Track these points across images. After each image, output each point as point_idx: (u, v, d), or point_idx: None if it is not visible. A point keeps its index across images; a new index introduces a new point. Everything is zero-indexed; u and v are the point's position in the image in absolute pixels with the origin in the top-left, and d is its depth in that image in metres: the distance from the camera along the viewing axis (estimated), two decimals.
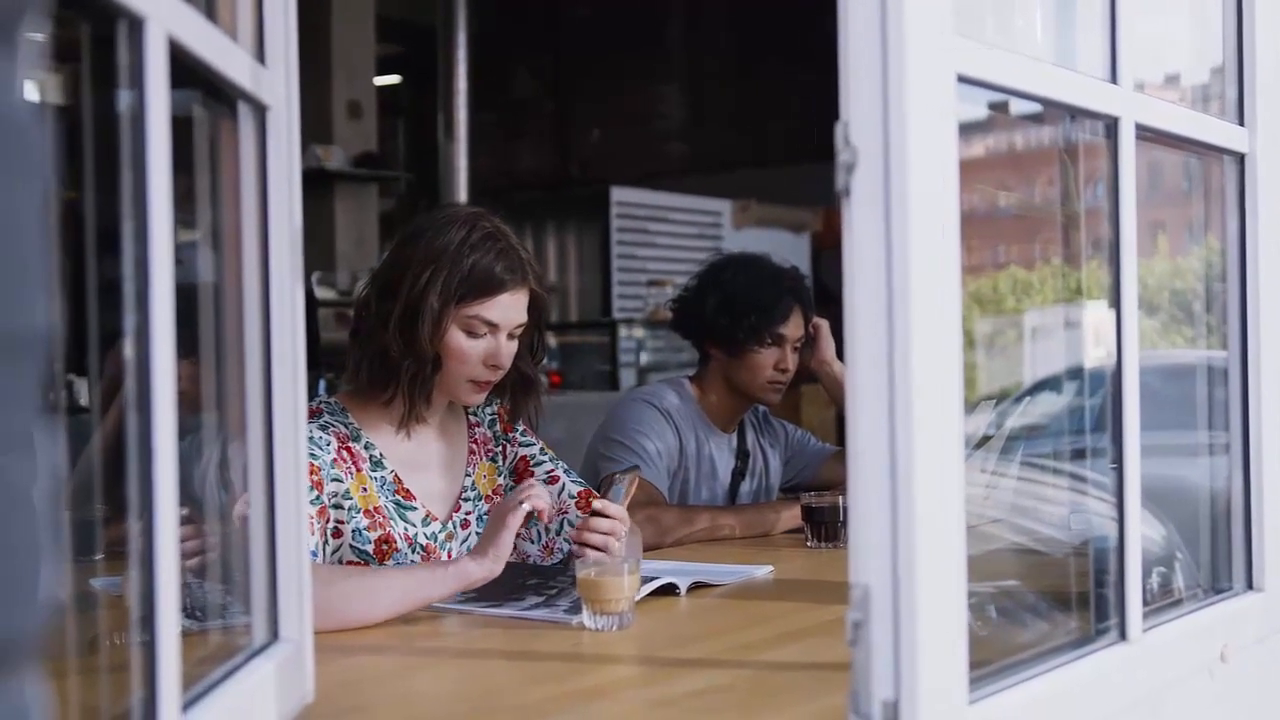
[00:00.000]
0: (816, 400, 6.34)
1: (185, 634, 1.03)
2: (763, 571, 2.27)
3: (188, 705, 1.04)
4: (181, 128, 1.04)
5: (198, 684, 1.12)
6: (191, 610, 1.29)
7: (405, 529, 2.13)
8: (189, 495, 1.12)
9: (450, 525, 2.20)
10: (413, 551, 2.13)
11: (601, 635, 1.77)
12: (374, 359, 2.12)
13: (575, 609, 1.85)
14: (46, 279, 0.53)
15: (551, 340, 7.44)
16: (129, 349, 0.96)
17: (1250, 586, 1.72)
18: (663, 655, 1.72)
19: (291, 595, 1.33)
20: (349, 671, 1.59)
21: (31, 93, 0.55)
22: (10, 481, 0.51)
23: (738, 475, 3.03)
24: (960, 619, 1.16)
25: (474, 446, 2.29)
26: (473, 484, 2.26)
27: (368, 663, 1.67)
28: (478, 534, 2.22)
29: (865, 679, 1.13)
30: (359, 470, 2.11)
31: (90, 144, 1.05)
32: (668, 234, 7.87)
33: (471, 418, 2.32)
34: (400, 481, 2.15)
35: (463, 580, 1.87)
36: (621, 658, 1.70)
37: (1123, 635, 1.45)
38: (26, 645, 0.52)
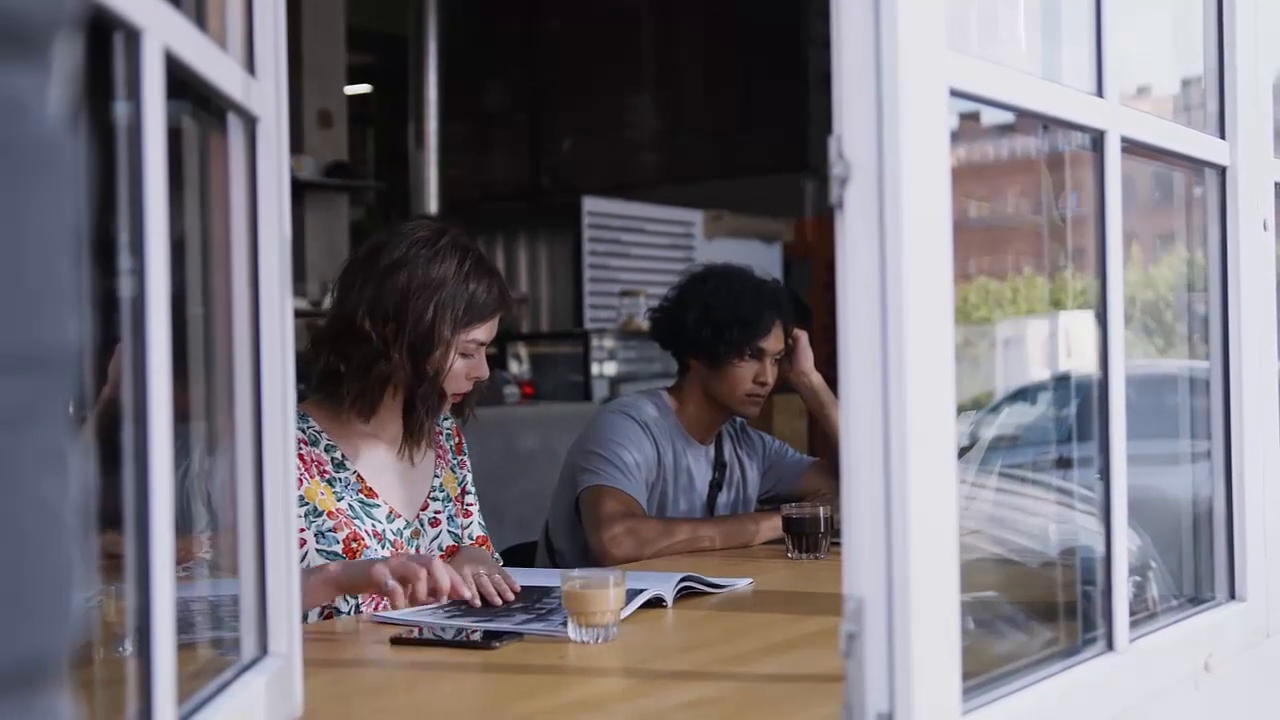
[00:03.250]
0: (788, 410, 6.35)
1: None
2: (743, 584, 2.27)
3: None
4: (170, 138, 1.04)
5: (189, 699, 1.11)
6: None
7: (373, 525, 2.19)
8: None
9: (417, 523, 2.28)
10: (382, 547, 2.19)
11: (587, 648, 1.77)
12: (377, 384, 2.18)
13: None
14: (78, 294, 0.53)
15: (523, 351, 7.43)
16: (126, 360, 0.95)
17: (1233, 596, 1.73)
18: (650, 668, 1.71)
19: (281, 610, 1.32)
20: (337, 686, 1.59)
21: (63, 108, 0.55)
22: (44, 498, 0.50)
23: (715, 487, 3.03)
24: (954, 630, 1.17)
25: (440, 450, 2.38)
26: (440, 485, 2.34)
27: (355, 677, 1.66)
28: (449, 532, 2.32)
29: (859, 691, 1.13)
30: (315, 476, 2.16)
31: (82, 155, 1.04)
32: (640, 244, 7.86)
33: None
34: (363, 480, 2.21)
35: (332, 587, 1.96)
36: (608, 670, 1.69)
37: (1110, 645, 1.45)
38: (60, 661, 0.52)
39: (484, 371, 2.25)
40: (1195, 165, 1.75)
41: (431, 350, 2.16)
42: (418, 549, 2.26)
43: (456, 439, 2.43)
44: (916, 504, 1.11)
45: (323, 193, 7.52)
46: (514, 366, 7.22)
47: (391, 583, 1.86)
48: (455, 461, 2.40)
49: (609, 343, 7.22)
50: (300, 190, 7.11)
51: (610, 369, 7.19)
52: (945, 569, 1.16)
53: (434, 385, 2.18)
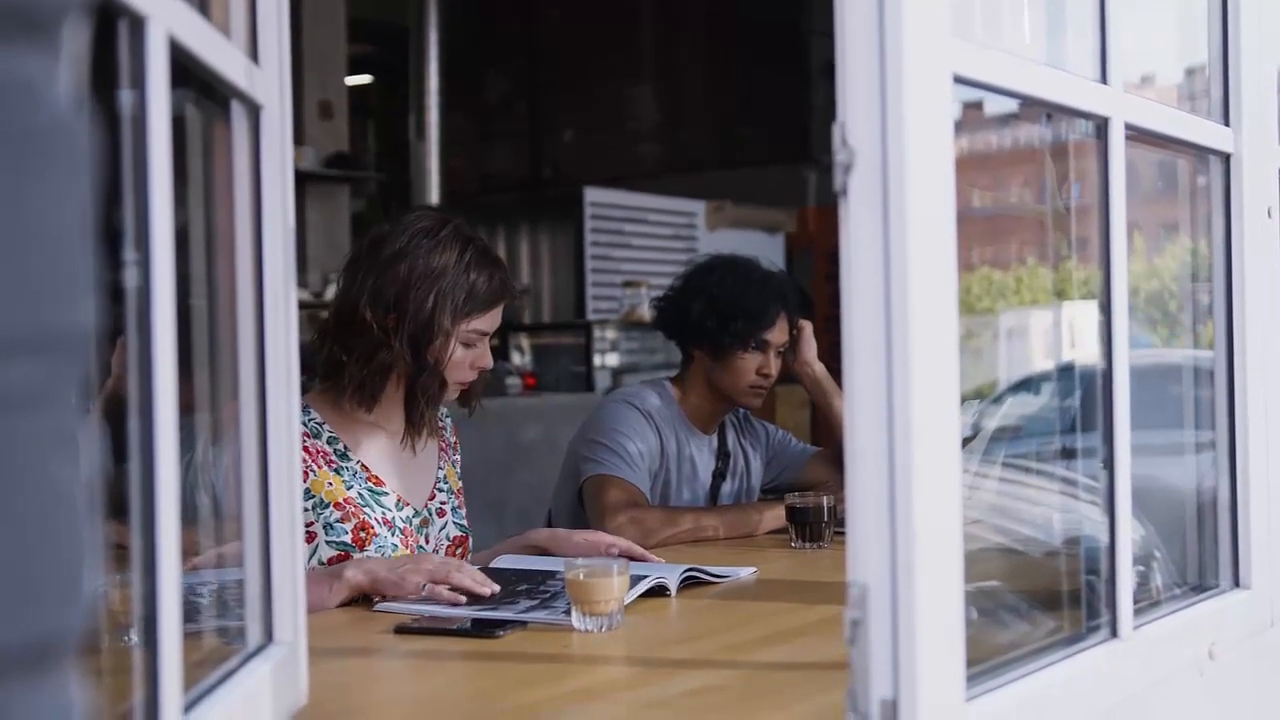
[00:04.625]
0: (790, 400, 6.36)
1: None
2: (747, 573, 2.27)
3: (188, 708, 1.03)
4: (174, 127, 1.03)
5: (195, 686, 1.11)
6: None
7: (383, 513, 2.20)
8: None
9: (425, 512, 2.29)
10: (392, 534, 2.20)
11: (590, 636, 1.77)
12: (378, 374, 2.19)
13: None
14: (91, 278, 0.53)
15: (525, 342, 7.43)
16: (131, 351, 0.95)
17: (1237, 585, 1.73)
18: (653, 656, 1.72)
19: (286, 598, 1.32)
20: (341, 674, 1.59)
21: (73, 91, 0.55)
22: (56, 482, 0.50)
23: (718, 476, 3.03)
24: (958, 617, 1.17)
25: (442, 444, 2.39)
26: (444, 477, 2.36)
27: (360, 665, 1.66)
28: (454, 523, 2.34)
29: (864, 677, 1.13)
30: (322, 466, 2.17)
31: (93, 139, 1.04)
32: (642, 235, 7.85)
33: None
34: (368, 469, 2.22)
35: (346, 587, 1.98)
36: (612, 659, 1.70)
37: (1114, 633, 1.45)
38: (71, 643, 0.52)
39: (488, 361, 2.27)
40: (1199, 152, 1.74)
41: (431, 340, 2.17)
42: (426, 538, 2.26)
43: (454, 438, 2.45)
44: (920, 491, 1.11)
45: (323, 184, 7.52)
46: (516, 358, 7.22)
47: (429, 586, 1.94)
48: (454, 458, 2.43)
49: (611, 334, 7.21)
50: (301, 181, 7.11)
51: (612, 360, 7.19)
52: (949, 556, 1.16)
53: (434, 374, 2.19)
